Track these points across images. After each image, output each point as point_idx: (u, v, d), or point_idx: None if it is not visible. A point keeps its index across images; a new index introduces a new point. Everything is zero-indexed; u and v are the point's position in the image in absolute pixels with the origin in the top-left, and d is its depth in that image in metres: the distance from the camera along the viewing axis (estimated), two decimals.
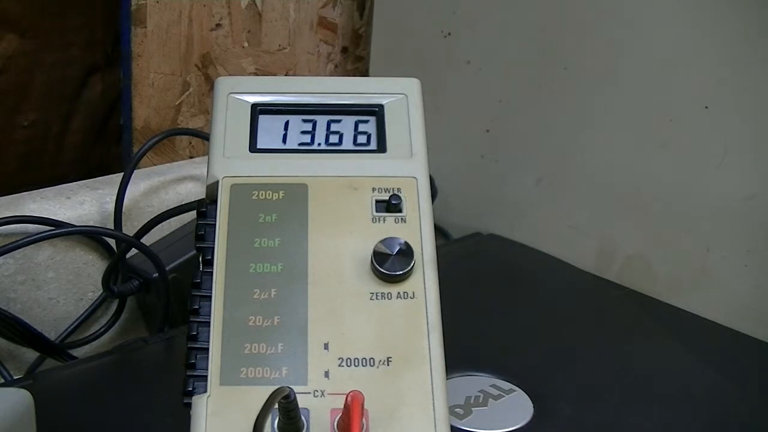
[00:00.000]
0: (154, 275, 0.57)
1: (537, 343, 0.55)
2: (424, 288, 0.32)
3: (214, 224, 0.33)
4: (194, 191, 0.65)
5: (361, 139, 0.35)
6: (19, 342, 0.54)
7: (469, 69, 0.72)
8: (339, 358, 0.30)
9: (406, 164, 0.34)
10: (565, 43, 0.66)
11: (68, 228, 0.55)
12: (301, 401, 0.28)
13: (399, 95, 0.36)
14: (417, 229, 0.33)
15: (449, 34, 0.73)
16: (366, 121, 0.36)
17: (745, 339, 0.56)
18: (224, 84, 0.36)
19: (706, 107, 0.59)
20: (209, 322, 0.31)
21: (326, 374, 0.30)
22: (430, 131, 0.36)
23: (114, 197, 0.58)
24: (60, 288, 0.58)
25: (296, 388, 0.28)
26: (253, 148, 0.35)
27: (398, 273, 0.31)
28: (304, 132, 0.35)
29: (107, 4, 0.66)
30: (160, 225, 0.56)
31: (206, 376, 0.30)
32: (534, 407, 0.47)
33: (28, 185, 0.59)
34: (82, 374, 0.50)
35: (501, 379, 0.49)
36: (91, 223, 0.58)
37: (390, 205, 0.33)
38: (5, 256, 0.52)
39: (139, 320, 0.63)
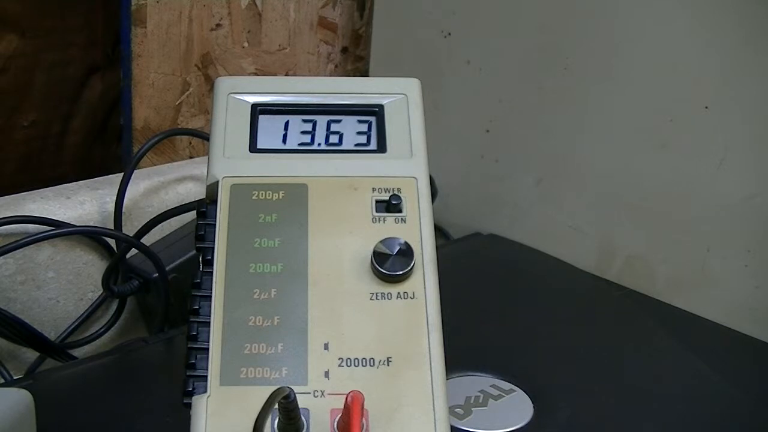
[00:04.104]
0: (154, 275, 0.57)
1: (537, 343, 0.55)
2: (424, 288, 0.32)
3: (214, 224, 0.33)
4: (194, 191, 0.65)
5: (361, 139, 0.35)
6: (19, 342, 0.54)
7: (469, 69, 0.72)
8: (339, 358, 0.30)
9: (406, 164, 0.34)
10: (565, 43, 0.66)
11: (68, 228, 0.55)
12: (301, 401, 0.28)
13: (399, 95, 0.36)
14: (417, 229, 0.33)
15: (449, 34, 0.73)
16: (366, 122, 0.36)
17: (745, 339, 0.56)
18: (224, 84, 0.36)
19: (706, 107, 0.59)
20: (209, 322, 0.31)
21: (326, 374, 0.30)
22: (430, 131, 0.36)
23: (114, 197, 0.58)
24: (60, 288, 0.58)
25: (296, 388, 0.28)
26: (253, 148, 0.35)
27: (398, 273, 0.31)
28: (304, 132, 0.35)
29: (107, 4, 0.66)
30: (160, 225, 0.56)
31: (206, 376, 0.30)
32: (534, 407, 0.47)
33: (28, 185, 0.59)
34: (82, 374, 0.50)
35: (501, 379, 0.49)
36: (91, 223, 0.58)
37: (390, 205, 0.33)
38: (5, 256, 0.52)
39: (139, 320, 0.63)
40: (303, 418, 0.29)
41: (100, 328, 0.60)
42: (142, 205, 0.62)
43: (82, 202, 0.59)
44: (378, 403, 0.29)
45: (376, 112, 0.36)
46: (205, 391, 0.29)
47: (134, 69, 0.69)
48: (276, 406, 0.27)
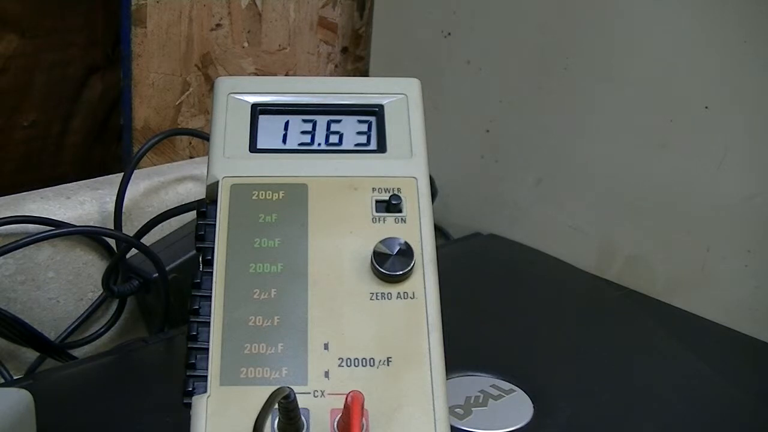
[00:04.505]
0: (154, 275, 0.57)
1: (537, 343, 0.55)
2: (424, 288, 0.32)
3: (214, 224, 0.33)
4: (194, 191, 0.65)
5: (361, 139, 0.35)
6: (19, 342, 0.54)
7: (469, 69, 0.72)
8: (339, 358, 0.30)
9: (406, 164, 0.34)
10: (565, 43, 0.66)
11: (68, 228, 0.55)
12: (301, 401, 0.28)
13: (399, 95, 0.36)
14: (417, 229, 0.33)
15: (449, 34, 0.73)
16: (366, 122, 0.36)
17: (745, 339, 0.56)
18: (224, 84, 0.36)
19: (706, 107, 0.59)
20: (209, 322, 0.31)
21: (326, 374, 0.30)
22: (430, 131, 0.36)
23: (114, 197, 0.58)
24: (60, 288, 0.58)
25: (296, 388, 0.28)
26: (253, 148, 0.35)
27: (398, 273, 0.31)
28: (304, 132, 0.35)
29: (107, 4, 0.66)
30: (160, 225, 0.56)
31: (206, 376, 0.30)
32: (534, 407, 0.47)
33: (28, 185, 0.59)
34: (82, 374, 0.50)
35: (501, 379, 0.49)
36: (91, 223, 0.58)
37: (390, 205, 0.33)
38: (5, 256, 0.52)
39: (139, 320, 0.63)
40: (303, 418, 0.29)
41: (100, 328, 0.60)
42: (142, 205, 0.62)
43: (82, 202, 0.59)
44: (378, 403, 0.29)
45: (376, 112, 0.36)
46: (205, 391, 0.29)
47: (134, 69, 0.69)
48: (276, 406, 0.27)
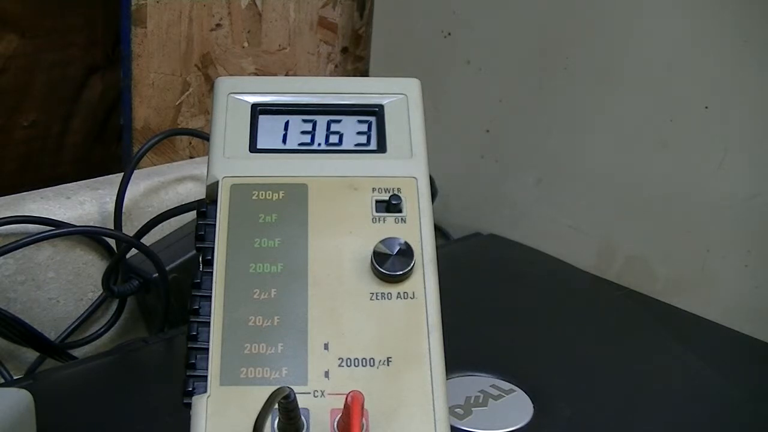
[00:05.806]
0: (154, 275, 0.57)
1: (537, 343, 0.55)
2: (424, 288, 0.32)
3: (214, 224, 0.33)
4: (194, 191, 0.65)
5: (361, 139, 0.35)
6: (19, 342, 0.54)
7: (469, 69, 0.72)
8: (339, 358, 0.30)
9: (406, 164, 0.34)
10: (565, 43, 0.66)
11: (68, 228, 0.55)
12: (301, 401, 0.28)
13: (399, 95, 0.36)
14: (417, 229, 0.33)
15: (449, 34, 0.73)
16: (366, 122, 0.36)
17: (745, 339, 0.56)
18: (224, 84, 0.36)
19: (706, 107, 0.59)
20: (209, 322, 0.31)
21: (326, 374, 0.30)
22: (430, 131, 0.36)
23: (114, 197, 0.58)
24: (60, 288, 0.58)
25: (296, 388, 0.28)
26: (253, 148, 0.35)
27: (398, 273, 0.31)
28: (304, 132, 0.35)
29: (107, 4, 0.66)
30: (160, 225, 0.56)
31: (206, 376, 0.30)
32: (534, 407, 0.47)
33: (28, 185, 0.59)
34: (82, 374, 0.50)
35: (501, 379, 0.49)
36: (91, 223, 0.58)
37: (390, 205, 0.33)
38: (5, 256, 0.52)
39: (139, 320, 0.63)
40: (303, 418, 0.29)
41: (100, 328, 0.60)
42: (142, 205, 0.62)
43: (82, 202, 0.59)
44: (378, 403, 0.29)
45: (376, 112, 0.36)
46: (205, 391, 0.29)
47: (134, 69, 0.69)
48: (276, 406, 0.27)
